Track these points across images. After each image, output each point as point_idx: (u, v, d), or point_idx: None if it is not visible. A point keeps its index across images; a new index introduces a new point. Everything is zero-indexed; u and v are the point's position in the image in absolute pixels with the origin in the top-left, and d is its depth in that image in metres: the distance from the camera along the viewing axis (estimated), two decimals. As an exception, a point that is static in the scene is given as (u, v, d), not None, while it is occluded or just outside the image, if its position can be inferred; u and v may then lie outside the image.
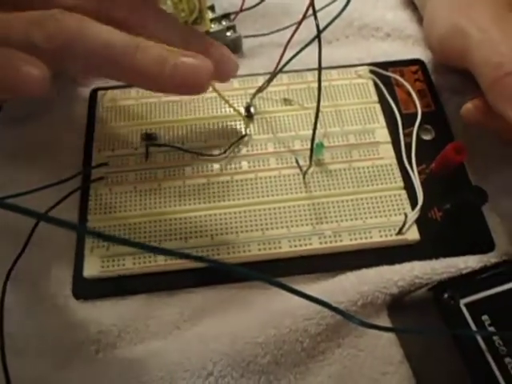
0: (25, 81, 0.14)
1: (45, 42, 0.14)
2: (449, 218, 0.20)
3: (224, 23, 0.24)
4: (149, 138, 0.21)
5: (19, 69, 0.14)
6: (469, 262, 0.19)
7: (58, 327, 0.19)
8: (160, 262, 0.19)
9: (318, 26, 0.17)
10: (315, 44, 0.19)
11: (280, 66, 0.19)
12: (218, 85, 0.19)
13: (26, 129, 0.22)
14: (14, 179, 0.21)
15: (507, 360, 0.14)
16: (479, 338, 0.14)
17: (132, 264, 0.19)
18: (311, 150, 0.18)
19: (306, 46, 0.18)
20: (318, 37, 0.17)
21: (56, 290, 0.19)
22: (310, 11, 0.18)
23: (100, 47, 0.15)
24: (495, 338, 0.14)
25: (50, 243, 0.20)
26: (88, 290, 0.19)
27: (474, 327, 0.14)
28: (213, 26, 0.23)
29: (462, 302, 0.15)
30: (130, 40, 0.15)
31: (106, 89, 0.23)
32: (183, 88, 0.16)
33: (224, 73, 0.18)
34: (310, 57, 0.22)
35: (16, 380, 0.17)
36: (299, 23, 0.18)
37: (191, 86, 0.16)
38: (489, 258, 0.19)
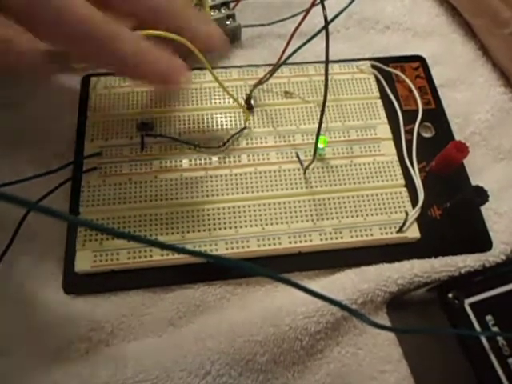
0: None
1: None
2: (448, 217, 0.20)
3: (223, 11, 0.23)
4: (144, 128, 0.20)
5: None
6: (467, 261, 0.19)
7: (46, 324, 0.18)
8: (156, 257, 0.18)
9: (325, 16, 0.16)
10: (316, 37, 0.18)
11: (284, 58, 0.19)
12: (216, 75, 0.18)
13: (13, 115, 0.21)
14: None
15: (511, 361, 0.14)
16: (483, 339, 0.14)
17: (127, 258, 0.18)
18: (315, 145, 0.18)
19: (313, 36, 0.17)
20: (325, 28, 0.16)
21: (45, 284, 0.18)
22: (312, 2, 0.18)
23: (76, 21, 0.14)
24: (499, 338, 0.14)
25: (38, 236, 0.19)
26: (79, 284, 0.18)
27: (477, 327, 0.14)
28: (212, 13, 0.23)
29: (467, 301, 0.15)
30: (112, 25, 0.15)
31: (100, 75, 0.22)
32: (157, 79, 0.17)
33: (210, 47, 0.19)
34: (309, 50, 0.21)
35: (1, 380, 0.16)
36: (307, 12, 0.17)
37: (165, 79, 0.17)
38: (487, 257, 0.19)
